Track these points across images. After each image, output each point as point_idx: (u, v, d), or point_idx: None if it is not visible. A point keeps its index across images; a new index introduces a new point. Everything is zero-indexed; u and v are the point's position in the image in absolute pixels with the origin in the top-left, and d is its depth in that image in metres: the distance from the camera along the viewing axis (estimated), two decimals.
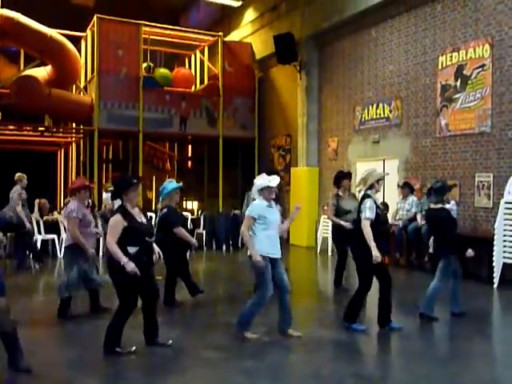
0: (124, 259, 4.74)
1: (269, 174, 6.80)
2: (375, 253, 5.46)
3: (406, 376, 4.58)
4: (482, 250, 8.67)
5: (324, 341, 5.59)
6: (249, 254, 5.37)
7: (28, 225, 9.92)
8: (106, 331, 4.92)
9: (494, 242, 8.22)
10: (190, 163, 18.75)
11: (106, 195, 12.36)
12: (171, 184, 7.08)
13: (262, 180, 5.49)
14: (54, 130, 16.26)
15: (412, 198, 10.04)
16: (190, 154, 18.52)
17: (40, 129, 15.54)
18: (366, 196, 5.78)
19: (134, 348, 4.93)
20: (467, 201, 9.48)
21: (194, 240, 7.12)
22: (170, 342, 5.20)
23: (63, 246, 6.67)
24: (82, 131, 15.45)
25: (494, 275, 8.18)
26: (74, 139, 16.97)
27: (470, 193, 9.44)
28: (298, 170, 13.98)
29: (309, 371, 4.68)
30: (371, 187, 5.83)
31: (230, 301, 7.48)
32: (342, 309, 6.01)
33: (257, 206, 5.43)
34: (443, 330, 6.22)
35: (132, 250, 4.84)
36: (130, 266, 4.71)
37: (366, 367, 4.95)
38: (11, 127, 14.70)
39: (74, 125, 15.95)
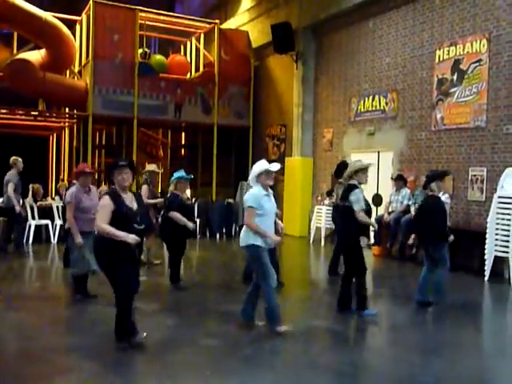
0: (121, 234, 4.57)
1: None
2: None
3: (400, 365, 4.68)
4: (473, 242, 8.83)
5: (319, 330, 5.68)
6: (243, 245, 5.30)
7: (17, 208, 9.79)
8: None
9: (486, 236, 8.32)
10: (183, 151, 18.71)
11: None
12: (177, 173, 7.40)
13: (260, 164, 5.27)
14: (48, 114, 16.16)
15: (405, 191, 10.13)
16: (183, 142, 18.47)
17: (33, 113, 15.42)
18: (353, 186, 5.93)
19: (144, 334, 4.79)
20: (460, 194, 9.59)
21: (190, 224, 7.17)
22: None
23: (66, 227, 6.64)
24: (75, 116, 15.34)
25: (486, 268, 8.30)
26: (67, 124, 16.87)
27: (464, 186, 9.54)
28: (292, 159, 14.01)
29: (306, 360, 4.75)
30: (351, 178, 5.98)
31: (225, 289, 7.53)
32: (335, 298, 6.13)
33: (253, 194, 5.25)
34: (435, 321, 6.32)
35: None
36: (130, 237, 4.58)
37: (362, 357, 5.04)
38: (3, 111, 14.55)
39: (67, 110, 15.83)
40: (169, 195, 7.48)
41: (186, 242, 7.45)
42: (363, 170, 6.03)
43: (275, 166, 5.27)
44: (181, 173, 7.39)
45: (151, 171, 8.97)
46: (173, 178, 7.39)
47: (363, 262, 6.02)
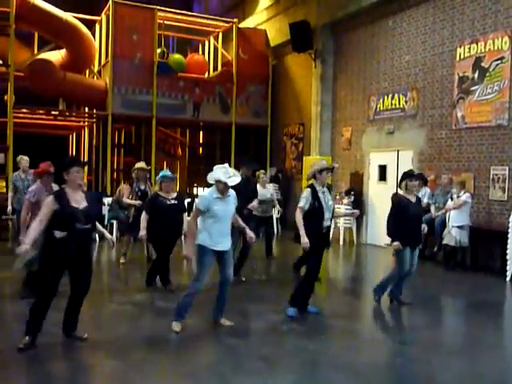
0: (26, 240, 4.55)
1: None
2: (303, 240, 5.62)
3: (420, 365, 4.64)
4: (495, 242, 8.73)
5: (338, 329, 5.65)
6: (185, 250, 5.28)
7: (9, 208, 9.61)
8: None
9: (508, 235, 8.21)
10: (201, 149, 18.78)
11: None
12: (162, 172, 7.32)
13: (218, 172, 5.24)
14: (68, 114, 16.34)
15: (425, 190, 10.03)
16: (201, 141, 18.54)
17: (53, 113, 15.60)
18: (308, 186, 5.98)
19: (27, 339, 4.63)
20: (482, 193, 9.47)
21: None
22: (86, 335, 4.92)
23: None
24: (95, 116, 15.49)
25: (507, 268, 8.19)
26: (86, 123, 17.04)
27: (485, 186, 9.41)
28: (310, 158, 13.93)
29: (325, 360, 4.74)
30: (314, 178, 5.90)
31: (245, 287, 7.52)
32: (354, 298, 6.09)
33: (204, 197, 5.27)
34: (455, 321, 6.26)
35: (58, 234, 4.59)
36: (21, 249, 4.52)
37: (381, 357, 5.00)
38: (24, 110, 14.74)
39: (87, 109, 15.99)
40: (151, 196, 7.50)
41: (170, 243, 7.11)
42: (325, 170, 5.91)
43: (232, 181, 5.17)
44: (165, 172, 7.31)
45: (139, 168, 8.95)
46: (157, 178, 7.28)
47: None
